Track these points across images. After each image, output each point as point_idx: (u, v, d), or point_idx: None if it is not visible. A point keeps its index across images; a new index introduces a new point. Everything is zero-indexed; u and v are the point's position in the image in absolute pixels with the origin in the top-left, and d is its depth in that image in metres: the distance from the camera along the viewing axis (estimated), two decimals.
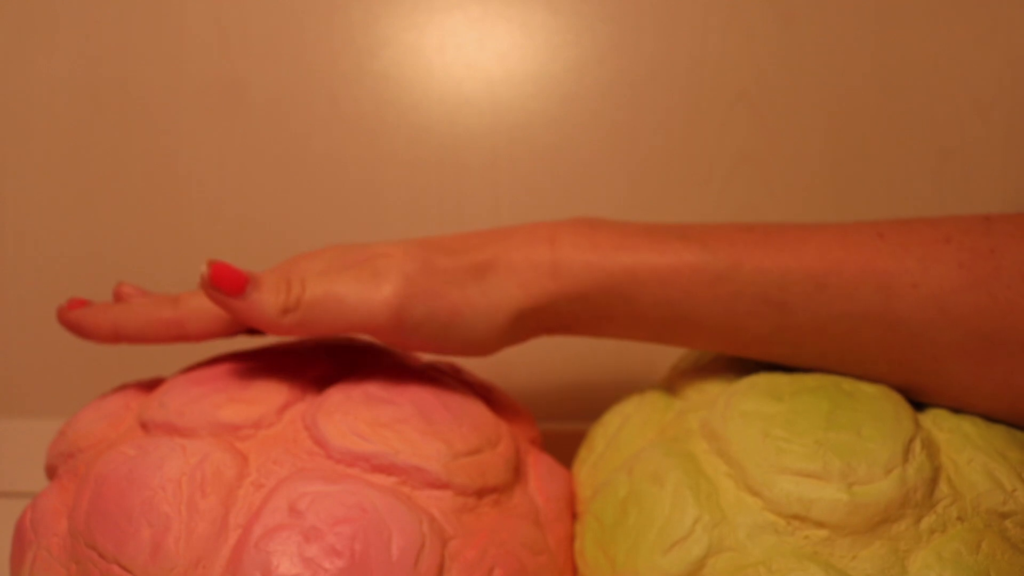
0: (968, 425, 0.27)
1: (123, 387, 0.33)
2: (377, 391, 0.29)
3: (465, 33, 0.49)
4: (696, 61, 0.50)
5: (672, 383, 0.33)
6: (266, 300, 0.27)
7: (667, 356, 0.39)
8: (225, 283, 0.26)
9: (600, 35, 0.49)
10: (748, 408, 0.27)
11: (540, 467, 0.32)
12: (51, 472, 0.31)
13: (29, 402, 0.52)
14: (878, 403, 0.27)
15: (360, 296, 0.27)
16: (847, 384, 0.28)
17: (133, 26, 0.51)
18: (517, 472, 0.30)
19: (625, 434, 0.31)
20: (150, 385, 0.32)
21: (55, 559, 0.26)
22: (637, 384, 0.36)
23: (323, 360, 0.32)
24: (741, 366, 0.31)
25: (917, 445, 0.25)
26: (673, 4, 0.49)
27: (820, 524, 0.24)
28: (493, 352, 0.30)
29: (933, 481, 0.25)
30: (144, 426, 0.28)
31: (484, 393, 0.34)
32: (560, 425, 0.47)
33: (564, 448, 0.37)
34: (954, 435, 0.27)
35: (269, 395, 0.29)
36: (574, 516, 0.31)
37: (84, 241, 0.52)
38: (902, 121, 0.52)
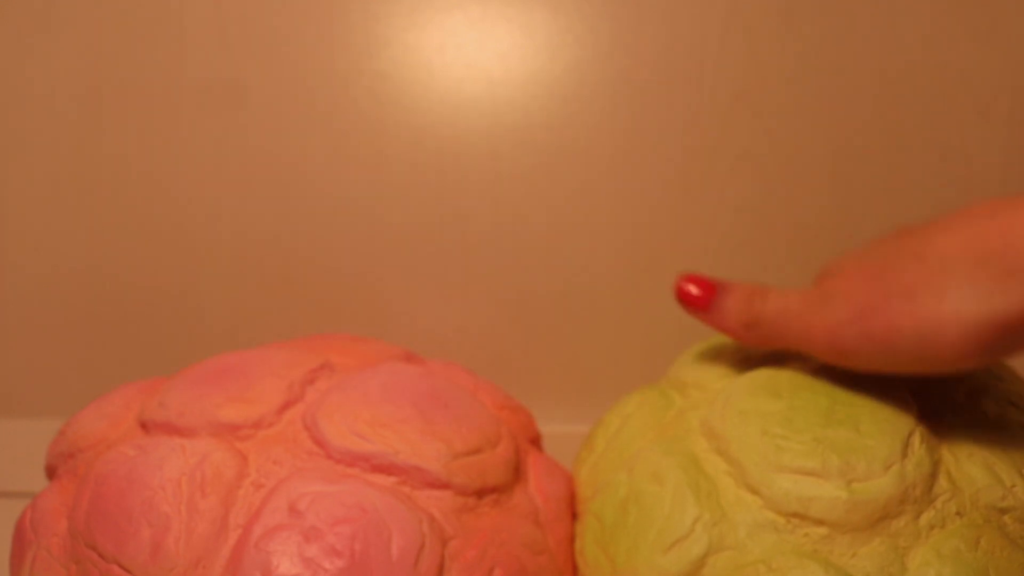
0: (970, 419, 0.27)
1: (123, 387, 0.33)
2: (377, 391, 0.29)
3: (465, 33, 0.49)
4: (696, 61, 0.50)
5: (672, 382, 0.33)
6: (730, 314, 0.28)
7: (667, 356, 0.39)
8: (688, 300, 0.29)
9: (600, 35, 0.49)
10: (747, 406, 0.27)
11: (540, 467, 0.32)
12: (51, 472, 0.31)
13: (29, 402, 0.52)
14: (877, 397, 0.27)
15: (803, 319, 0.27)
16: (846, 379, 0.28)
17: (132, 26, 0.51)
18: (517, 472, 0.30)
19: (625, 434, 0.31)
20: (150, 385, 0.32)
21: (55, 559, 0.26)
22: (637, 384, 0.36)
23: (324, 360, 0.32)
24: (741, 364, 0.31)
25: (916, 439, 0.25)
26: (673, 4, 0.49)
27: (819, 522, 0.24)
28: (966, 368, 0.24)
29: (932, 476, 0.25)
30: (144, 426, 0.28)
31: (484, 393, 0.34)
32: (560, 425, 0.47)
33: (564, 448, 0.37)
34: (954, 429, 0.27)
35: (269, 395, 0.29)
36: (574, 516, 0.31)
37: (84, 241, 0.52)
38: (902, 121, 0.52)
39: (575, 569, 0.29)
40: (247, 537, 0.24)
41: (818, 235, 0.50)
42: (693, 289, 0.29)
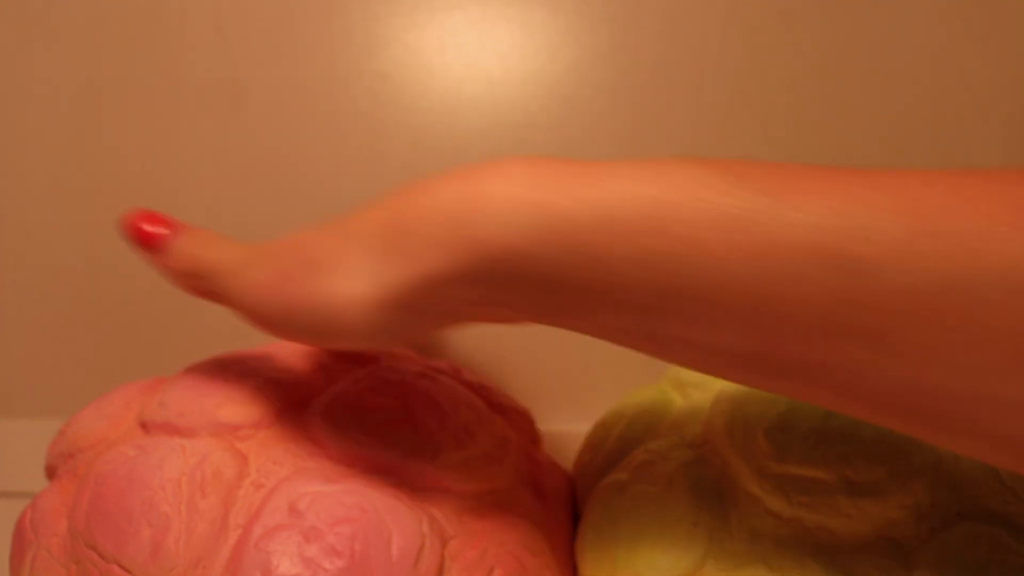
0: None
1: (123, 387, 0.32)
2: (377, 391, 0.29)
3: (465, 33, 0.49)
4: (696, 61, 0.50)
5: (672, 382, 0.33)
6: (178, 259, 0.26)
7: None
8: (139, 237, 0.26)
9: (600, 35, 0.49)
10: (748, 406, 0.27)
11: (540, 467, 0.32)
12: (51, 472, 0.31)
13: (29, 402, 0.52)
14: None
15: (235, 277, 0.25)
16: None
17: (132, 25, 0.51)
18: (517, 472, 0.30)
19: (625, 434, 0.31)
20: (150, 385, 0.32)
21: (55, 559, 0.26)
22: (637, 384, 0.36)
23: (324, 359, 0.32)
24: None
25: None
26: (673, 4, 0.49)
27: (820, 523, 0.24)
28: (377, 348, 0.24)
29: (934, 477, 0.25)
30: (144, 426, 0.28)
31: (484, 393, 0.34)
32: (560, 425, 0.47)
33: (564, 448, 0.37)
34: None
35: (269, 395, 0.29)
36: (574, 516, 0.31)
37: (83, 241, 0.52)
38: (903, 121, 0.52)
39: (575, 569, 0.29)
40: (247, 537, 0.24)
41: None
42: (146, 226, 0.26)
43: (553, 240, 0.19)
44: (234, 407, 0.28)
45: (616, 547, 0.27)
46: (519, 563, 0.26)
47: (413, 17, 0.50)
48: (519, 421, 0.34)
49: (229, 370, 0.30)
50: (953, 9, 0.50)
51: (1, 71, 0.52)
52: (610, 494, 0.29)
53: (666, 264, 0.18)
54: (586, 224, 0.19)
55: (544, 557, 0.28)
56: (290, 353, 0.32)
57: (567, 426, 0.47)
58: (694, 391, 0.31)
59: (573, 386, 0.51)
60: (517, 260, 0.19)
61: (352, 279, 0.21)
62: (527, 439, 0.34)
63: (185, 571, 0.23)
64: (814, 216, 0.17)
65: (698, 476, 0.26)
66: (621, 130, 0.51)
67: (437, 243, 0.20)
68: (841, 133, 0.52)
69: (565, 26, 0.49)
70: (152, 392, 0.30)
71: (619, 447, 0.31)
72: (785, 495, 0.25)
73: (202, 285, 0.25)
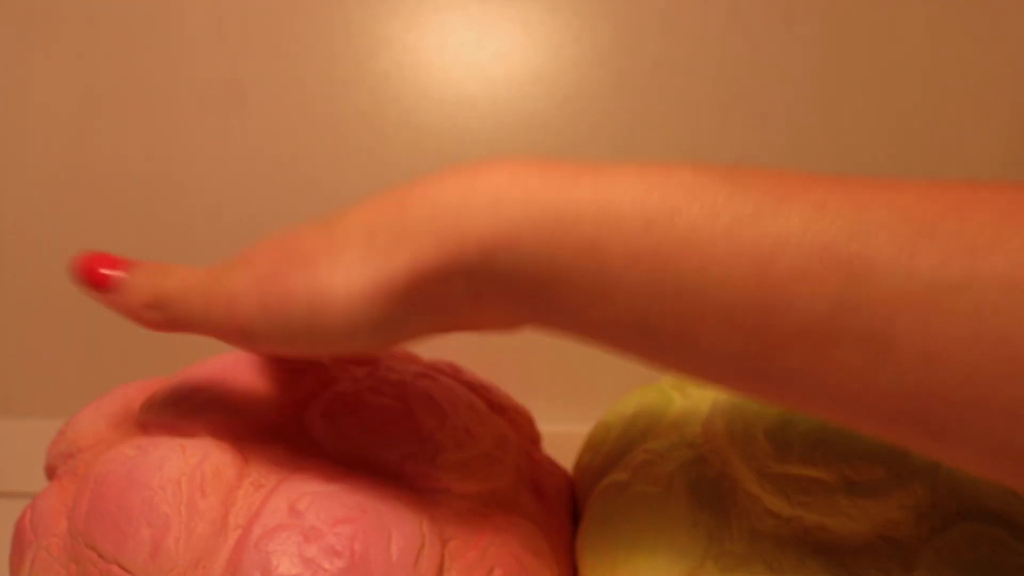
0: None
1: (123, 387, 0.32)
2: (376, 391, 0.29)
3: (465, 33, 0.49)
4: (696, 60, 0.50)
5: (673, 382, 0.33)
6: (134, 294, 0.24)
7: None
8: (88, 279, 0.24)
9: (600, 34, 0.49)
10: (748, 406, 0.27)
11: (540, 467, 0.32)
12: (50, 472, 0.31)
13: (28, 402, 0.52)
14: None
15: (205, 294, 0.23)
16: None
17: (132, 25, 0.51)
18: (517, 472, 0.30)
19: (625, 434, 0.31)
20: (150, 385, 0.32)
21: (55, 559, 0.26)
22: (637, 384, 0.36)
23: (324, 359, 0.32)
24: None
25: None
26: (673, 3, 0.49)
27: (822, 522, 0.24)
28: (363, 349, 0.23)
29: (934, 477, 0.25)
30: (144, 426, 0.28)
31: (484, 393, 0.34)
32: (560, 425, 0.47)
33: (564, 448, 0.37)
34: None
35: (269, 395, 0.29)
36: (574, 516, 0.31)
37: (82, 241, 0.52)
38: (903, 121, 0.52)
39: (575, 570, 0.29)
40: (247, 537, 0.24)
41: None
42: (102, 269, 0.24)
43: (549, 233, 0.19)
44: (234, 407, 0.28)
45: (616, 547, 0.27)
46: (519, 563, 0.26)
47: (414, 17, 0.50)
48: (519, 421, 0.34)
49: (229, 369, 0.30)
50: (953, 9, 0.50)
51: (2, 71, 0.52)
52: (610, 494, 0.29)
53: (663, 262, 0.18)
54: (584, 219, 0.18)
55: (544, 557, 0.28)
56: None
57: (567, 426, 0.47)
58: (694, 391, 0.31)
59: (573, 386, 0.51)
60: (511, 253, 0.19)
61: (343, 272, 0.21)
62: (527, 439, 0.34)
63: (185, 571, 0.23)
64: (812, 217, 0.17)
65: (698, 476, 0.26)
66: (621, 130, 0.51)
67: (430, 235, 0.20)
68: (841, 132, 0.52)
69: (565, 25, 0.49)
70: (152, 392, 0.30)
71: (619, 447, 0.31)
72: (785, 495, 0.25)
73: (163, 315, 0.24)
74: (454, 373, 0.35)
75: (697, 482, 0.26)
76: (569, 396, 0.51)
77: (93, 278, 0.24)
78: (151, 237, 0.52)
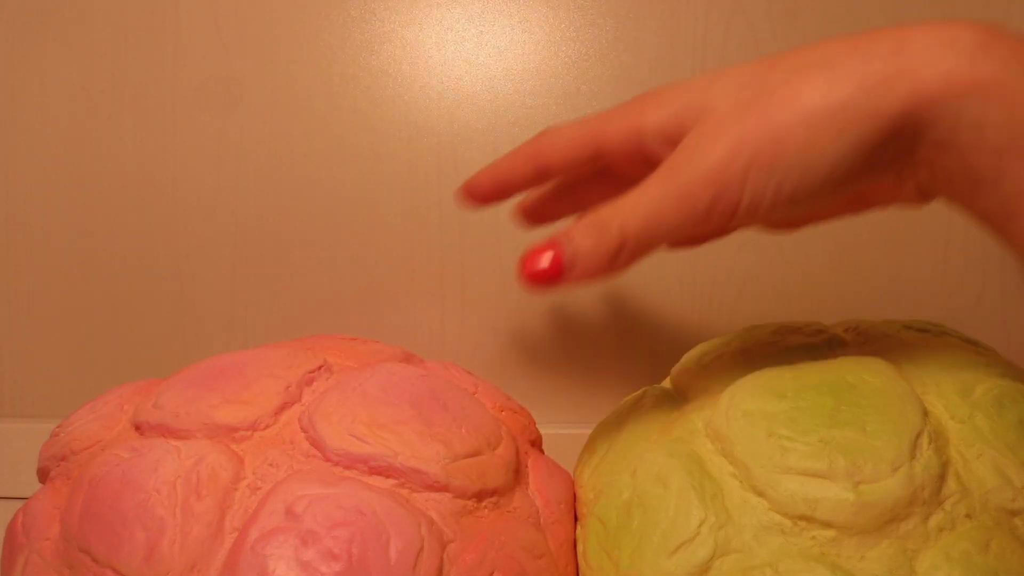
0: (981, 417, 0.26)
1: (117, 388, 0.32)
2: (375, 392, 0.29)
3: (464, 29, 0.49)
4: (697, 57, 0.50)
5: (675, 382, 0.33)
6: (590, 257, 0.23)
7: (669, 356, 0.38)
8: (542, 278, 0.23)
9: (600, 31, 0.49)
10: (751, 407, 0.27)
11: (540, 469, 0.31)
12: (43, 475, 0.30)
13: (21, 404, 0.52)
14: (883, 396, 0.26)
15: (677, 190, 0.23)
16: (851, 376, 0.27)
17: (129, 22, 0.50)
18: (517, 474, 0.30)
19: (628, 435, 0.31)
20: (145, 387, 0.32)
21: (47, 563, 0.25)
22: (638, 385, 0.36)
23: (321, 361, 0.31)
24: (745, 363, 0.30)
25: (924, 440, 0.25)
26: (674, 1, 0.49)
27: (827, 524, 0.24)
28: (845, 185, 0.23)
29: (941, 477, 0.24)
30: (138, 428, 0.28)
31: (484, 394, 0.34)
32: (561, 427, 0.46)
33: (565, 449, 0.36)
34: (965, 427, 0.26)
35: (265, 396, 0.28)
36: (576, 519, 0.31)
37: (81, 240, 0.51)
38: None
39: (577, 572, 0.29)
40: (243, 540, 0.23)
41: (818, 235, 0.49)
42: (542, 261, 0.23)
43: (996, 93, 0.20)
44: (230, 408, 0.28)
45: (619, 550, 0.26)
46: (519, 566, 0.26)
47: (412, 13, 0.49)
48: (519, 423, 0.34)
49: (225, 371, 0.30)
50: (954, 7, 0.50)
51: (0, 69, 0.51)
52: (613, 495, 0.28)
53: None
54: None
55: (545, 560, 0.28)
56: (287, 354, 0.31)
57: (567, 427, 0.46)
58: (697, 391, 0.31)
59: (573, 387, 0.51)
60: (1006, 106, 0.20)
61: (841, 97, 0.21)
62: (527, 439, 0.33)
63: (180, 574, 0.23)
64: None
65: (702, 476, 0.26)
66: None
67: (941, 66, 0.21)
68: None
69: (565, 22, 0.49)
70: (146, 394, 0.30)
71: (621, 449, 0.31)
72: (791, 495, 0.24)
73: (632, 248, 0.23)
74: (454, 374, 0.35)
75: (702, 484, 0.26)
76: (569, 397, 0.51)
77: (541, 276, 0.23)
78: (146, 237, 0.51)
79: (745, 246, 0.50)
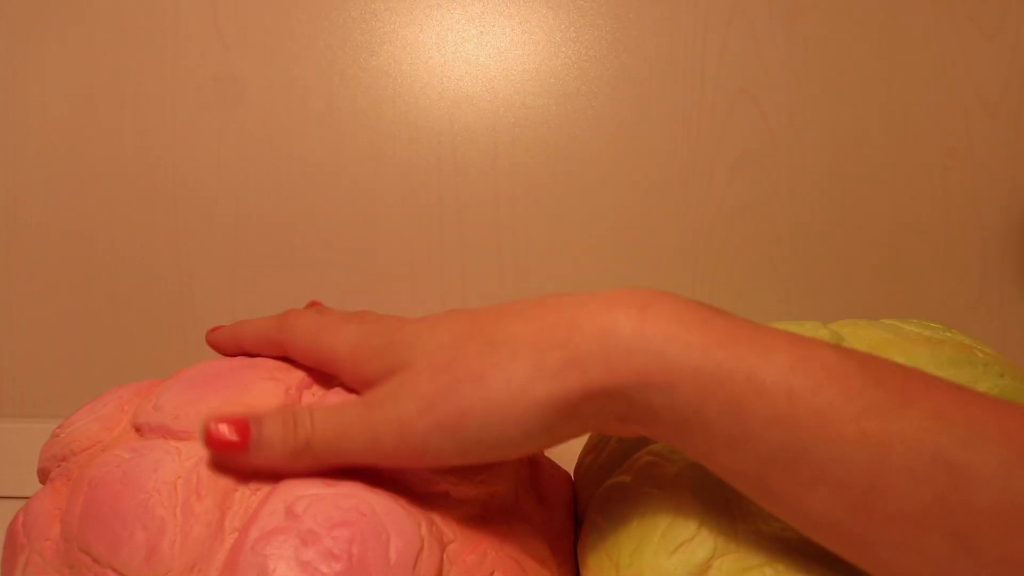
0: None
1: (117, 389, 0.32)
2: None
3: (464, 30, 0.49)
4: (697, 58, 0.50)
5: None
6: (274, 446, 0.25)
7: None
8: (221, 445, 0.25)
9: (600, 32, 0.49)
10: None
11: (540, 469, 0.31)
12: (43, 475, 0.30)
13: (21, 404, 0.52)
14: None
15: (365, 426, 0.25)
16: None
17: (129, 22, 0.51)
18: (517, 475, 0.30)
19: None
20: (145, 387, 0.32)
21: (48, 563, 0.25)
22: None
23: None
24: None
25: None
26: (674, 1, 0.49)
27: None
28: (529, 452, 0.25)
29: None
30: (138, 429, 0.28)
31: None
32: None
33: (565, 450, 0.36)
34: None
35: (265, 398, 0.28)
36: (575, 519, 0.31)
37: (80, 240, 0.51)
38: (907, 119, 0.51)
39: (576, 573, 0.29)
40: (243, 540, 0.23)
41: (818, 235, 0.49)
42: (225, 431, 0.25)
43: (704, 384, 0.21)
44: (230, 409, 0.28)
45: (619, 550, 0.27)
46: (519, 567, 0.26)
47: (412, 14, 0.49)
48: None
49: (225, 372, 0.30)
50: (954, 7, 0.50)
51: (0, 70, 0.51)
52: (613, 496, 0.28)
53: (797, 431, 0.21)
54: (735, 378, 0.21)
55: (545, 561, 0.28)
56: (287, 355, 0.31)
57: None
58: None
59: None
60: (667, 392, 0.22)
61: (517, 385, 0.23)
62: None
63: (180, 574, 0.23)
64: (931, 421, 0.20)
65: (702, 478, 0.26)
66: (620, 127, 0.51)
67: (601, 364, 0.22)
68: (841, 130, 0.52)
69: (566, 23, 0.49)
70: (146, 394, 0.30)
71: (621, 449, 0.31)
72: None
73: (313, 455, 0.25)
74: None
75: (701, 484, 0.26)
76: None
77: (221, 443, 0.25)
78: (149, 235, 0.51)
79: (745, 246, 0.50)
